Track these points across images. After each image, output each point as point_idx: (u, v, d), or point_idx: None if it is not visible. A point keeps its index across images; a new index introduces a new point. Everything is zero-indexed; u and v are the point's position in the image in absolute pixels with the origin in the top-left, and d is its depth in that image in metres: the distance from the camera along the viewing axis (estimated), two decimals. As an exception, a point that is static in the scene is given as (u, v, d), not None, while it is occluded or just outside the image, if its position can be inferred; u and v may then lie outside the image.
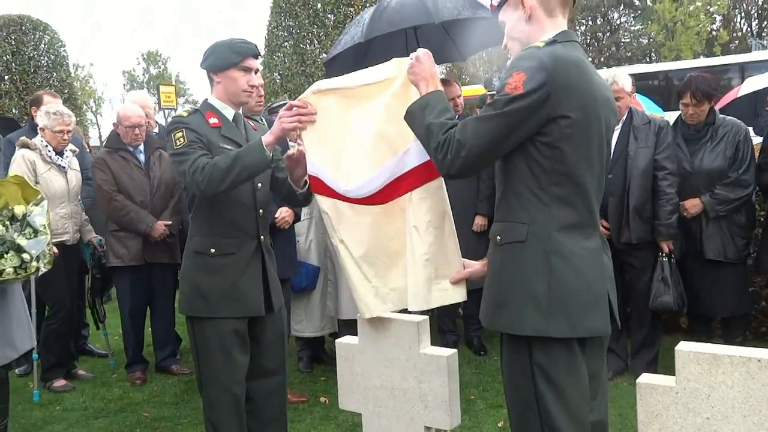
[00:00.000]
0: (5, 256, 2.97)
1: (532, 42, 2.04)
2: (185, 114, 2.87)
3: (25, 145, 4.58)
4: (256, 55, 2.87)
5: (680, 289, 4.08)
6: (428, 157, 2.22)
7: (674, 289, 4.03)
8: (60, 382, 4.69)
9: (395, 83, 2.31)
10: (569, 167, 1.94)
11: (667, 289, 4.03)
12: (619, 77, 4.20)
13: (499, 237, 2.02)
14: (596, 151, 1.99)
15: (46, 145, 4.59)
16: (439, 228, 2.32)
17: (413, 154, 2.32)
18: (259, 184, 2.92)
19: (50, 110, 4.62)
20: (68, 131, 4.64)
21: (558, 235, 1.94)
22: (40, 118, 4.65)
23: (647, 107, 6.34)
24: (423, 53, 2.18)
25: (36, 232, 3.07)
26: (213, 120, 2.85)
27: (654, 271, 4.10)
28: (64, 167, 4.66)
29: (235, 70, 2.82)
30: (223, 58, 2.82)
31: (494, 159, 2.00)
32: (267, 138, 2.62)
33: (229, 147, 2.81)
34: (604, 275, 2.01)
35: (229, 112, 2.91)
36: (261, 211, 2.93)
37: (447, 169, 1.99)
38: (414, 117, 2.10)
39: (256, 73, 2.89)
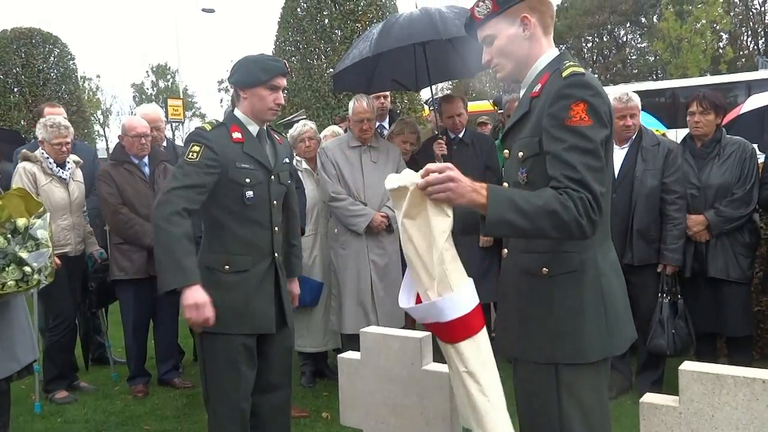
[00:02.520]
0: (7, 269, 2.96)
1: (531, 62, 2.01)
2: (208, 128, 2.85)
3: (26, 158, 4.60)
4: (284, 74, 2.85)
5: (683, 330, 4.05)
6: (467, 311, 1.92)
7: (673, 331, 4.02)
8: (62, 394, 4.68)
9: (405, 204, 1.89)
10: (606, 184, 1.94)
11: (663, 333, 4.03)
12: (634, 95, 4.26)
13: (546, 269, 1.94)
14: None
15: (47, 157, 4.61)
16: (492, 366, 1.99)
17: (446, 307, 1.91)
18: (275, 202, 2.94)
19: (47, 123, 4.65)
20: (66, 143, 4.65)
21: (599, 255, 1.95)
22: (39, 131, 4.68)
23: (649, 124, 6.33)
24: (454, 174, 1.83)
25: (38, 244, 3.07)
26: (237, 135, 2.84)
27: (655, 307, 4.11)
28: (65, 179, 4.68)
29: (262, 88, 2.82)
30: (252, 75, 2.82)
31: None
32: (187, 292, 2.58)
33: (247, 165, 2.82)
34: (623, 283, 2.05)
35: (253, 128, 2.91)
36: (276, 229, 2.94)
37: (593, 231, 1.81)
38: (510, 223, 1.79)
39: (283, 91, 2.89)
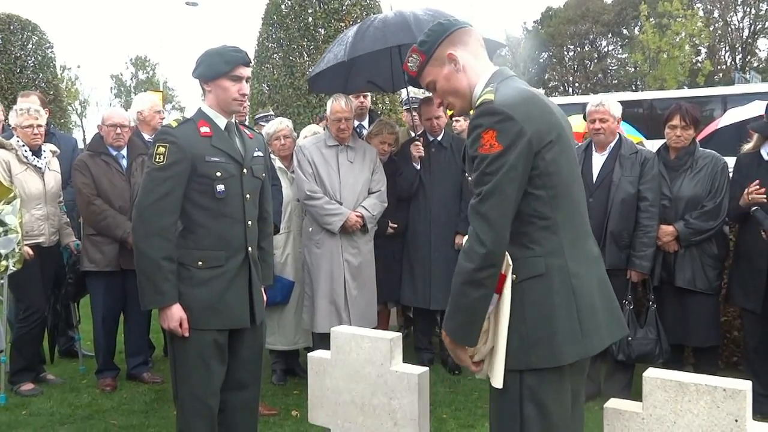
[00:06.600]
0: (-27, 255, 2.93)
1: (472, 88, 2.07)
2: (174, 124, 2.84)
3: (0, 146, 4.55)
4: (246, 63, 2.85)
5: (645, 339, 4.08)
6: None
7: (629, 338, 4.06)
8: (28, 386, 4.62)
9: None
10: (564, 185, 1.97)
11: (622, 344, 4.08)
12: (607, 101, 4.30)
13: (515, 276, 1.96)
14: (573, 157, 2.04)
15: (23, 145, 4.56)
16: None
17: None
18: (248, 196, 2.91)
19: (17, 108, 4.63)
20: (39, 125, 4.60)
21: (569, 256, 1.97)
22: (11, 118, 4.65)
23: (627, 131, 6.39)
24: None
25: (6, 230, 3.04)
26: (204, 129, 2.83)
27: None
28: (41, 168, 4.63)
29: (225, 79, 2.81)
30: (214, 67, 2.81)
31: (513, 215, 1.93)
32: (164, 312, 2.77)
33: (217, 159, 2.80)
34: (602, 278, 2.06)
35: (221, 121, 2.89)
36: (249, 223, 2.92)
37: (486, 261, 1.87)
38: (451, 322, 1.99)
39: (246, 81, 2.88)
